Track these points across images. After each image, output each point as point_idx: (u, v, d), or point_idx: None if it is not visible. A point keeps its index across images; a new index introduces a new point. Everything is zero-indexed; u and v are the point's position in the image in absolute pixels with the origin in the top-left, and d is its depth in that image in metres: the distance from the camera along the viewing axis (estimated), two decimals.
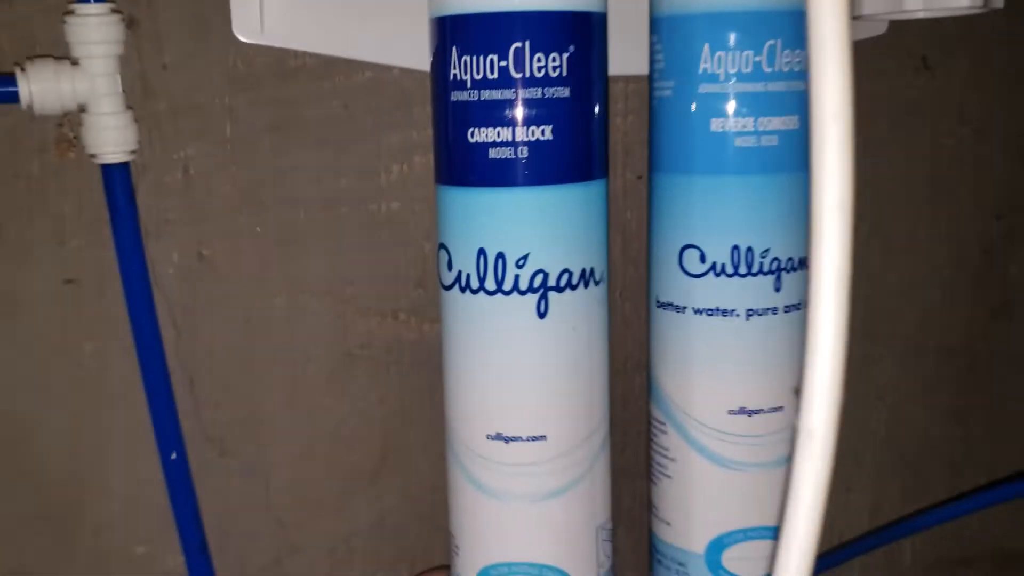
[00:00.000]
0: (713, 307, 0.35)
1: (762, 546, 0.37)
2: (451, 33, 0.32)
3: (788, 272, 0.35)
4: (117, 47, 0.34)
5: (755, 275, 0.35)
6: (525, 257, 0.32)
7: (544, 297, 0.33)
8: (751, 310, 0.35)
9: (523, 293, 0.33)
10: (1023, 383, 0.52)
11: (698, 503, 0.37)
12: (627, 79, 0.42)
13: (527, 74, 0.31)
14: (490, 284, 0.33)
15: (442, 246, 0.34)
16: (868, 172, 0.46)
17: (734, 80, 0.33)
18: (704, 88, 0.34)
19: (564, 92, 0.31)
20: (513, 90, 0.31)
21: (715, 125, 0.34)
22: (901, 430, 0.50)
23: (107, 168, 0.35)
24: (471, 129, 0.32)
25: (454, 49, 0.32)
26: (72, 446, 0.40)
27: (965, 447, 0.51)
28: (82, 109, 0.35)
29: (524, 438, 0.34)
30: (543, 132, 0.32)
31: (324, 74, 0.39)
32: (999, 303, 0.50)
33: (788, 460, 0.37)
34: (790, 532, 0.20)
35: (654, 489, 0.39)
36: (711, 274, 0.35)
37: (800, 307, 0.36)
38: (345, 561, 0.44)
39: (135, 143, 0.36)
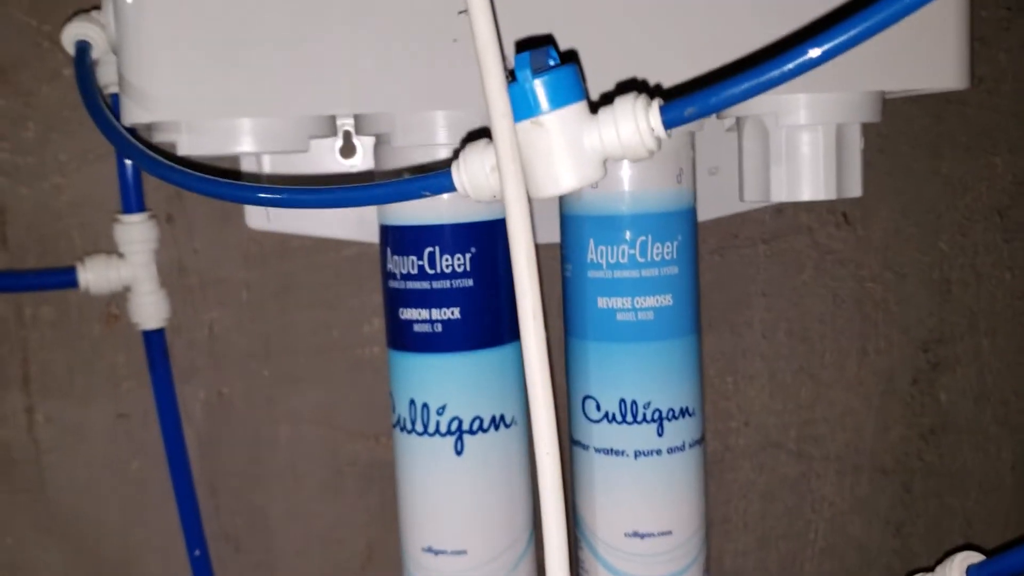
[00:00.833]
0: (608, 447, 0.43)
1: None
2: (386, 238, 0.42)
3: (669, 420, 0.43)
4: (153, 243, 0.46)
5: (639, 423, 0.42)
6: (443, 407, 0.41)
7: (460, 438, 0.42)
8: (638, 451, 0.43)
9: (443, 435, 0.41)
10: (958, 498, 0.56)
11: None
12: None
13: (439, 270, 0.40)
14: (418, 427, 0.42)
15: (390, 394, 0.43)
16: (794, 313, 0.53)
17: (615, 268, 0.42)
18: (592, 273, 0.42)
19: (468, 282, 0.41)
20: (428, 282, 0.41)
21: (601, 303, 0.42)
22: (839, 541, 0.56)
23: (146, 333, 0.47)
24: (401, 308, 0.42)
25: (388, 249, 0.42)
26: (121, 542, 0.51)
27: (903, 558, 0.56)
28: (127, 289, 0.46)
29: (448, 551, 0.42)
30: (452, 312, 0.41)
31: (319, 250, 0.49)
32: (930, 428, 0.55)
33: (681, 575, 0.44)
34: None
35: None
36: (604, 420, 0.43)
37: (683, 448, 0.43)
38: None
39: (168, 313, 0.47)
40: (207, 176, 0.31)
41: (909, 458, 0.56)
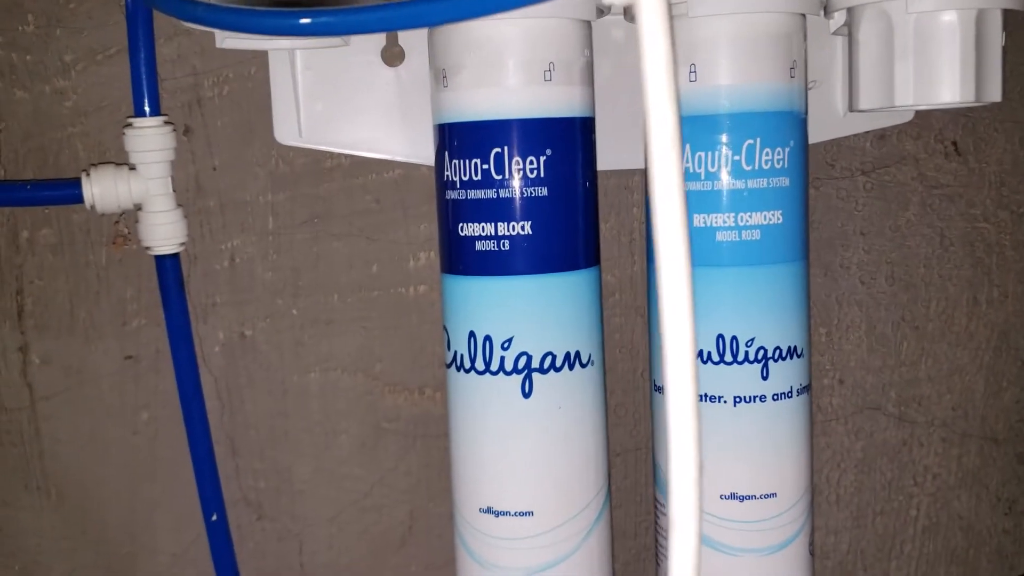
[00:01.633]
0: (701, 392, 0.36)
1: None
2: (443, 139, 0.35)
3: (775, 361, 0.36)
4: (169, 154, 0.40)
5: (740, 363, 0.36)
6: (509, 340, 0.35)
7: (528, 378, 0.35)
8: (738, 397, 0.36)
9: (508, 374, 0.35)
10: None
11: None
12: (643, 172, 0.44)
13: (507, 176, 0.34)
14: (479, 364, 0.35)
15: (444, 328, 0.37)
16: (897, 256, 0.46)
17: (714, 178, 0.35)
18: (687, 186, 0.36)
19: (543, 191, 0.34)
20: (495, 190, 0.34)
21: (697, 220, 0.36)
22: (944, 519, 0.49)
23: (159, 259, 0.40)
24: (460, 224, 0.35)
25: (446, 153, 0.35)
26: (127, 504, 0.44)
27: (1015, 539, 0.49)
28: (138, 208, 0.40)
29: (512, 513, 0.36)
30: (523, 227, 0.34)
31: (357, 172, 0.43)
32: None
33: (783, 547, 0.38)
34: None
35: (659, 571, 0.40)
36: (698, 360, 0.36)
37: (790, 395, 0.37)
38: None
39: (184, 237, 0.40)
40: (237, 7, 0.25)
41: (1022, 428, 0.49)
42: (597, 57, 0.37)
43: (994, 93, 0.37)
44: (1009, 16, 0.36)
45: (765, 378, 0.36)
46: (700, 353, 0.36)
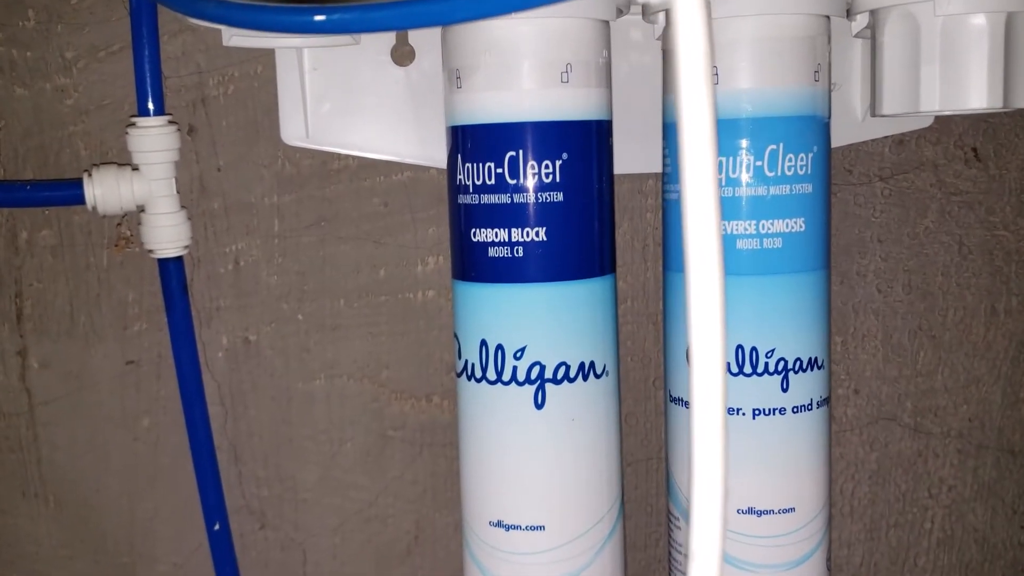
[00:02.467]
0: None
1: None
2: (456, 142, 0.34)
3: (796, 372, 0.35)
4: (173, 154, 0.38)
5: (760, 375, 0.35)
6: (522, 349, 0.34)
7: (541, 388, 0.34)
8: (758, 409, 0.35)
9: (520, 384, 0.34)
10: None
11: None
12: (657, 176, 0.43)
13: (521, 180, 0.33)
14: (491, 374, 0.34)
15: (455, 336, 0.36)
16: (914, 264, 0.45)
17: (736, 184, 0.34)
18: None
19: (558, 196, 0.33)
20: (508, 195, 0.33)
21: None
22: (959, 532, 0.48)
23: (162, 262, 0.39)
24: (473, 229, 0.34)
25: (459, 156, 0.34)
26: (127, 513, 0.43)
27: None
28: (140, 209, 0.39)
29: (523, 527, 0.35)
30: (537, 234, 0.33)
31: (365, 174, 0.42)
32: None
33: (801, 563, 0.37)
34: None
35: None
36: None
37: (810, 407, 0.36)
38: None
39: (188, 239, 0.39)
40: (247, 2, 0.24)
41: None
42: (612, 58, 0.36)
43: (1022, 99, 0.36)
44: None
45: (785, 390, 0.35)
46: None
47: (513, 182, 0.33)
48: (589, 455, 0.35)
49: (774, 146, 0.34)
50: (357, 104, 0.40)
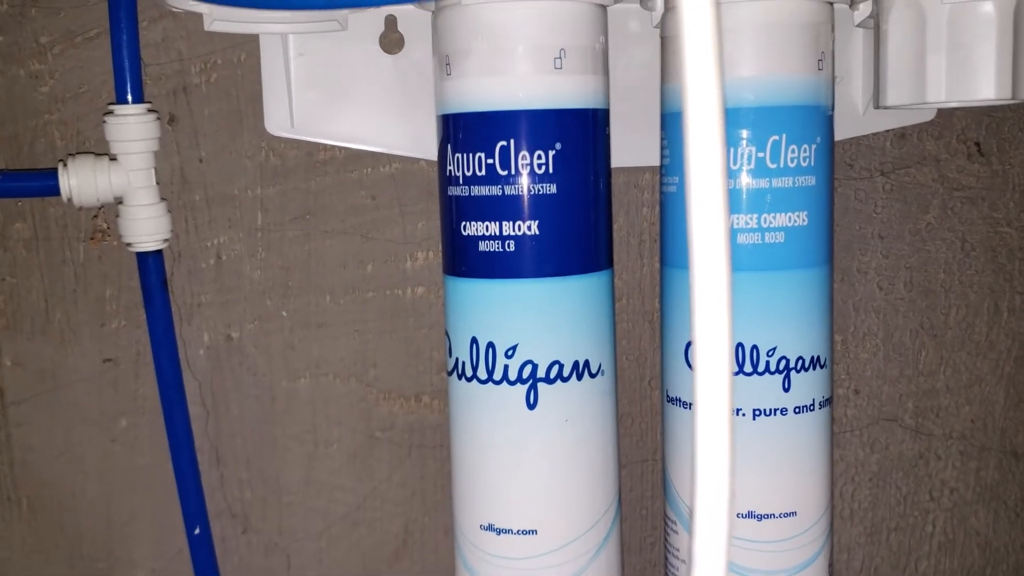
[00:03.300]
0: None
1: None
2: (446, 131, 0.33)
3: (798, 372, 0.34)
4: (152, 144, 0.37)
5: (761, 374, 0.34)
6: (514, 348, 0.32)
7: (533, 388, 0.33)
8: (759, 410, 0.34)
9: (512, 383, 0.33)
10: None
11: None
12: (653, 170, 0.42)
13: (512, 171, 0.32)
14: (481, 373, 0.33)
15: (446, 333, 0.35)
16: (916, 261, 0.44)
17: (736, 176, 0.33)
18: None
19: (551, 188, 0.32)
20: (500, 186, 0.32)
21: None
22: (960, 535, 0.47)
23: (141, 256, 0.38)
24: (464, 222, 0.33)
25: (449, 146, 0.33)
26: (104, 517, 0.42)
27: None
28: (119, 201, 0.37)
29: (514, 531, 0.34)
30: (530, 227, 0.32)
31: (352, 166, 0.40)
32: None
33: (802, 569, 0.36)
34: None
35: None
36: None
37: (812, 408, 0.34)
38: None
39: (168, 232, 0.38)
40: None
41: None
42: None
43: None
44: None
45: (787, 390, 0.34)
46: None
47: (504, 173, 0.32)
48: (584, 457, 0.34)
49: (776, 137, 0.32)
50: (344, 93, 0.38)
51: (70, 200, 0.36)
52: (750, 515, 0.34)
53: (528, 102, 0.31)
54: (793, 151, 0.33)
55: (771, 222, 0.33)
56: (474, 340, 0.33)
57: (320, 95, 0.38)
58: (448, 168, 0.33)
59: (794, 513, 0.35)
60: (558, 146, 0.32)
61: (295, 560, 0.43)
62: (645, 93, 0.38)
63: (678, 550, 0.37)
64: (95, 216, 0.39)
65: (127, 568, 0.42)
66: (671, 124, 0.35)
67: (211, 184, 0.40)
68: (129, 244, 0.38)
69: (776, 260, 0.33)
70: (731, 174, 0.33)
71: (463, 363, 0.33)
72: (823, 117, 0.34)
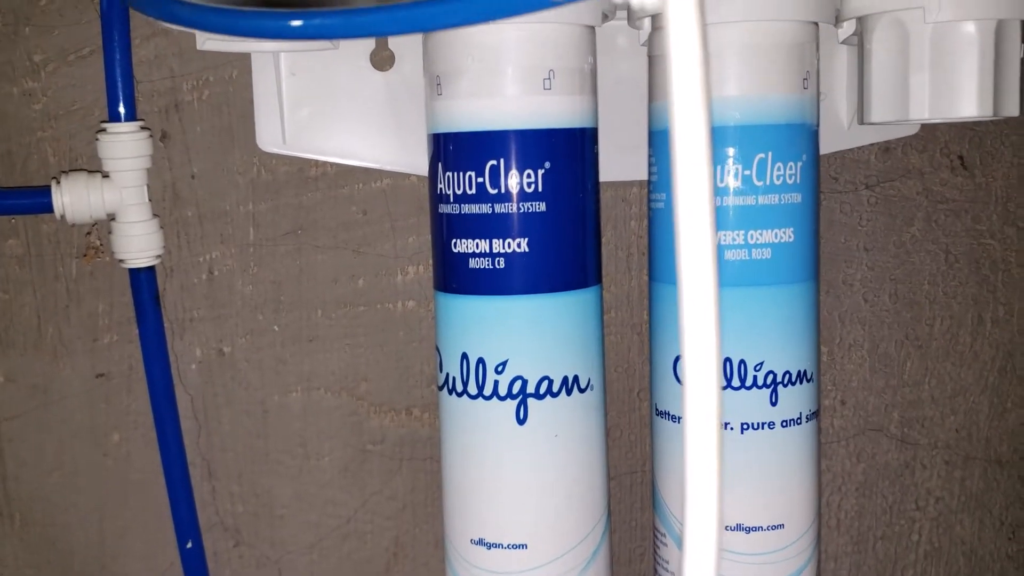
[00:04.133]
0: None
1: None
2: (437, 150, 0.33)
3: (785, 386, 0.34)
4: (145, 161, 0.37)
5: (749, 388, 0.34)
6: (504, 363, 0.33)
7: (523, 403, 0.33)
8: (746, 424, 0.34)
9: (502, 399, 0.33)
10: None
11: None
12: (641, 184, 0.42)
13: (503, 189, 0.32)
14: (472, 388, 0.33)
15: (436, 348, 0.35)
16: (901, 273, 0.45)
17: (724, 194, 0.33)
18: None
19: (540, 206, 0.32)
20: (490, 204, 0.32)
21: None
22: (946, 544, 0.47)
23: (134, 272, 0.38)
24: (454, 239, 0.33)
25: (440, 165, 0.33)
26: (97, 531, 0.42)
27: (1019, 565, 0.48)
28: (111, 218, 0.37)
29: (505, 545, 0.34)
30: (519, 244, 0.32)
31: (343, 181, 0.41)
32: None
33: None
34: None
35: None
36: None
37: (799, 421, 0.35)
38: None
39: (160, 248, 0.38)
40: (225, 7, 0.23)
41: None
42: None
43: (1011, 107, 0.35)
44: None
45: (774, 404, 0.34)
46: None
47: (494, 191, 0.32)
48: (573, 472, 0.34)
49: (762, 155, 0.33)
50: (335, 110, 0.39)
51: (63, 217, 0.37)
52: (739, 527, 0.35)
53: (518, 122, 0.32)
54: (779, 169, 0.33)
55: (758, 239, 0.33)
56: (464, 356, 0.33)
57: (311, 112, 0.38)
58: (439, 186, 0.33)
59: (782, 525, 0.35)
60: (547, 165, 0.32)
61: (287, 573, 0.43)
62: (633, 107, 0.38)
63: (667, 562, 0.37)
64: (88, 233, 0.39)
65: None
66: (659, 142, 0.35)
67: (203, 200, 0.40)
68: (122, 260, 0.38)
69: (763, 276, 0.34)
70: (718, 192, 0.33)
71: (453, 378, 0.34)
72: (808, 135, 0.34)
